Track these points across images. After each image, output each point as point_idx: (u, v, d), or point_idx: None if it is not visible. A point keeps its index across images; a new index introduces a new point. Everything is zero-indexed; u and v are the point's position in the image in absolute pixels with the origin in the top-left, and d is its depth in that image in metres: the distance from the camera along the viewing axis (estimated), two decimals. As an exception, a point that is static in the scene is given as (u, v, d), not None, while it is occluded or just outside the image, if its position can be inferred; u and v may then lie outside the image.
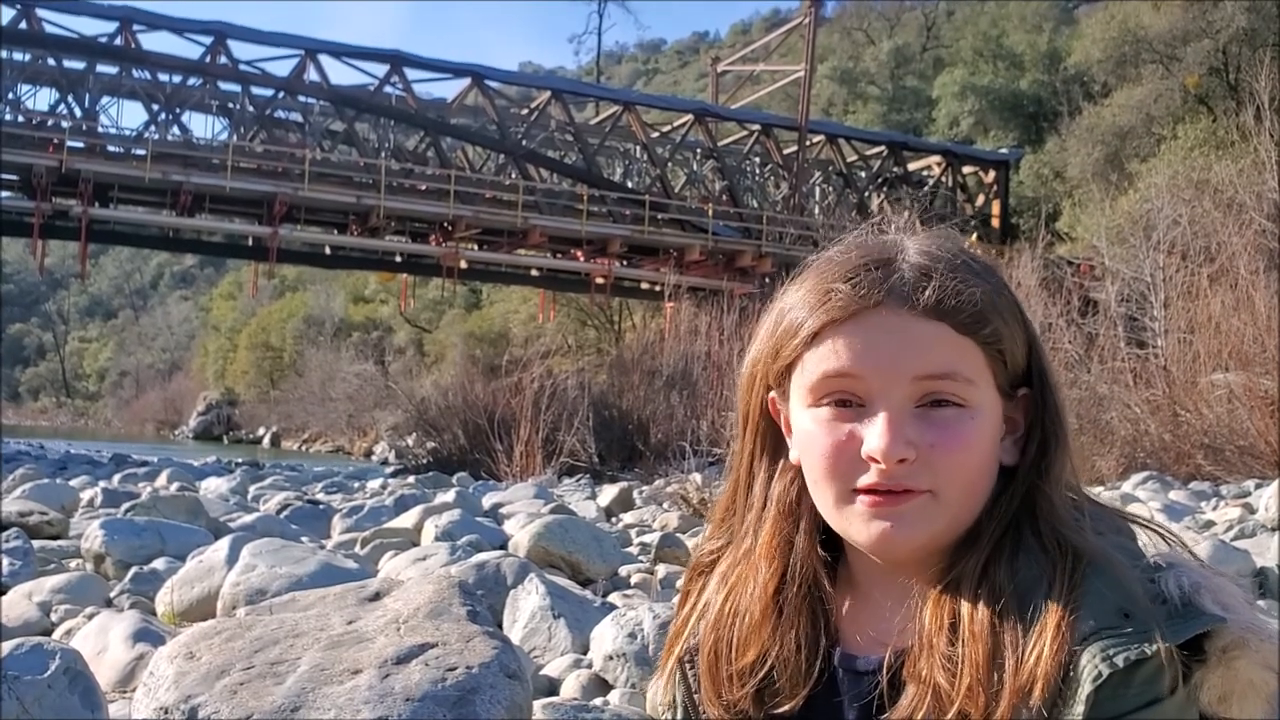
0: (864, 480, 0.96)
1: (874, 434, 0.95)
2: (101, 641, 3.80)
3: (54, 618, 4.64)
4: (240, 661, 2.11)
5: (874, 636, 1.03)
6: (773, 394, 1.07)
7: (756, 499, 1.10)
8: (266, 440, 53.18)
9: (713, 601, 1.11)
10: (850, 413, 0.97)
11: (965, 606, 0.94)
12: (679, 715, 1.14)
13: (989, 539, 0.97)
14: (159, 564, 5.52)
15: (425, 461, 20.65)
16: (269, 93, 29.20)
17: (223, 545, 5.02)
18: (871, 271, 0.98)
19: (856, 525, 0.98)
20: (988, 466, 0.98)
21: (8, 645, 2.24)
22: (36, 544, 6.12)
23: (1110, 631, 0.87)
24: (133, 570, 5.37)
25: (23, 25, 26.36)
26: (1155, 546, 1.00)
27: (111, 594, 5.13)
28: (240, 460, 23.18)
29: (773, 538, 1.07)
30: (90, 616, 4.40)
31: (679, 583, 5.71)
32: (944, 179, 36.24)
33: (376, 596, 2.40)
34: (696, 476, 10.79)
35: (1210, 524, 8.05)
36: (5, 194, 27.29)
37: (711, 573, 1.14)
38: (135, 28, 27.18)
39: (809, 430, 1.00)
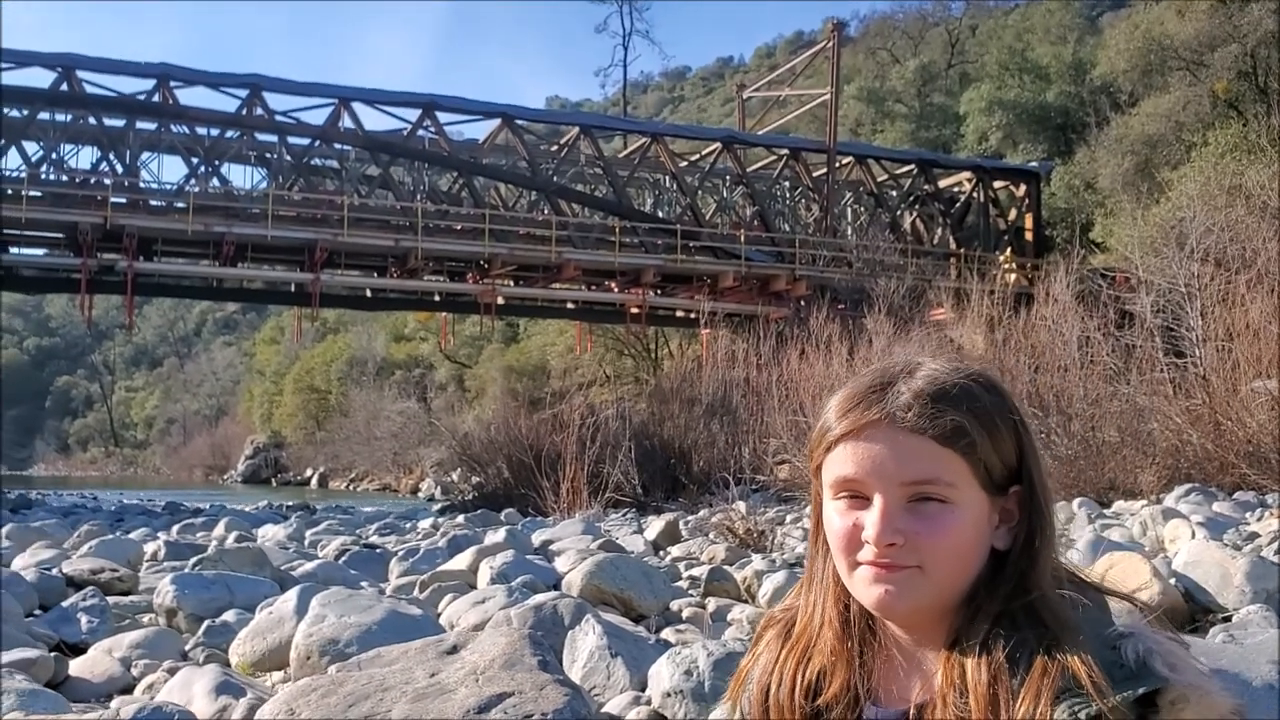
0: (863, 557, 1.24)
1: (870, 523, 1.23)
2: (186, 695, 4.02)
3: (134, 672, 4.87)
4: (337, 716, 2.30)
5: (896, 693, 1.29)
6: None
7: (819, 568, 1.36)
8: (314, 481, 53.76)
9: (773, 649, 1.38)
10: (859, 503, 1.25)
11: (970, 671, 1.19)
12: None
13: (989, 614, 1.22)
14: (229, 616, 5.75)
15: (471, 497, 20.86)
16: (305, 141, 29.83)
17: (291, 596, 5.24)
18: (878, 394, 1.26)
19: (862, 588, 1.25)
20: (971, 549, 1.24)
21: (132, 707, 2.45)
22: (110, 600, 6.37)
23: (1076, 690, 1.12)
24: (205, 624, 5.59)
25: (64, 87, 27.08)
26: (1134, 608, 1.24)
27: (186, 647, 5.36)
28: (292, 504, 23.51)
29: (836, 601, 1.33)
30: (171, 671, 4.62)
31: (730, 615, 5.87)
32: (975, 195, 36.24)
33: (454, 650, 2.60)
34: (741, 505, 10.91)
35: (1254, 535, 8.08)
36: (44, 251, 27.78)
37: (778, 626, 1.41)
38: (173, 84, 27.79)
39: (830, 516, 1.28)
